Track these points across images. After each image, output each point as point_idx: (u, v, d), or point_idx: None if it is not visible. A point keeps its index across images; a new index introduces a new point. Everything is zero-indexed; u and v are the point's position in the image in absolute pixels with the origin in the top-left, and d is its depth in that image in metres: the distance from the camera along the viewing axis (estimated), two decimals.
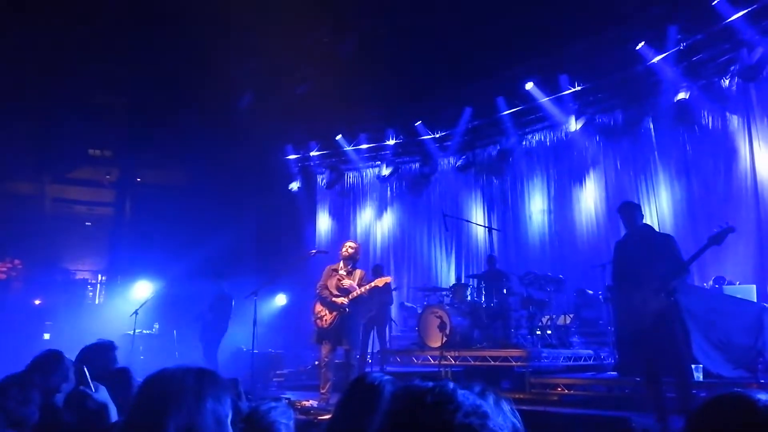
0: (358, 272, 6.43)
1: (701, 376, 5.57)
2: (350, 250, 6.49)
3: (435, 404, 0.98)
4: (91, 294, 14.89)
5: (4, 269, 14.33)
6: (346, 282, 6.28)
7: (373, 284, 6.30)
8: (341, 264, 6.46)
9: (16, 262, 14.37)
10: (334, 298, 6.23)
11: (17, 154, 11.63)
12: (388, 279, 6.62)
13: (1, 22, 9.66)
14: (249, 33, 9.84)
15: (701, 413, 1.02)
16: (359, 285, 6.26)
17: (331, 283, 6.35)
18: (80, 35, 10.67)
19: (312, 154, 13.09)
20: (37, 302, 13.51)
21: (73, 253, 15.19)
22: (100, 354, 3.20)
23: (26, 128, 11.24)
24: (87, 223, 16.03)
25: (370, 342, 8.28)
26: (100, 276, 15.19)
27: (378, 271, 8.56)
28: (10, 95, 10.55)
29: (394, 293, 9.53)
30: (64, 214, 15.38)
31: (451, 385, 1.02)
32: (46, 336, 12.14)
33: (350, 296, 6.19)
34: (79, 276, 15.18)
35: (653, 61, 8.92)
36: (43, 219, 14.68)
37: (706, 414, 1.01)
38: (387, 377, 1.87)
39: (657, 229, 6.06)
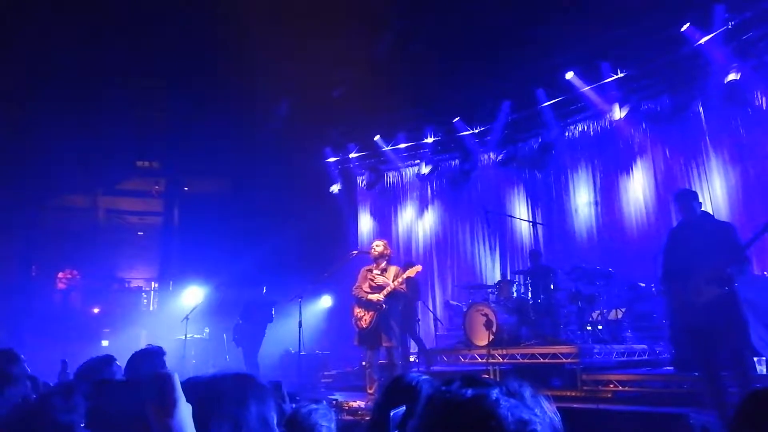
0: (392, 269, 6.46)
1: (765, 369, 5.29)
2: (378, 248, 6.57)
3: (472, 423, 0.87)
4: (145, 301, 15.40)
5: (64, 280, 15.02)
6: (380, 279, 6.33)
7: (405, 275, 6.31)
8: (375, 264, 6.54)
9: (74, 273, 15.01)
10: (369, 297, 6.27)
11: (69, 168, 12.15)
12: (418, 267, 6.58)
13: (52, 40, 10.09)
14: (284, 39, 9.97)
15: (746, 404, 0.93)
16: (393, 281, 6.28)
17: (366, 284, 6.41)
18: (125, 50, 11.06)
19: (351, 156, 13.14)
20: (95, 311, 14.07)
21: (126, 262, 15.75)
22: (148, 359, 3.31)
23: (76, 143, 11.71)
24: (139, 233, 16.60)
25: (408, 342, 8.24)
26: (153, 284, 15.70)
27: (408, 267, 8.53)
28: (58, 112, 11.01)
29: (436, 291, 9.43)
30: (116, 225, 15.99)
31: (495, 394, 0.89)
32: (105, 343, 12.63)
33: (384, 292, 6.20)
34: (134, 284, 15.73)
35: (700, 42, 8.54)
36: (98, 230, 15.31)
37: (749, 406, 0.92)
38: (425, 377, 1.82)
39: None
